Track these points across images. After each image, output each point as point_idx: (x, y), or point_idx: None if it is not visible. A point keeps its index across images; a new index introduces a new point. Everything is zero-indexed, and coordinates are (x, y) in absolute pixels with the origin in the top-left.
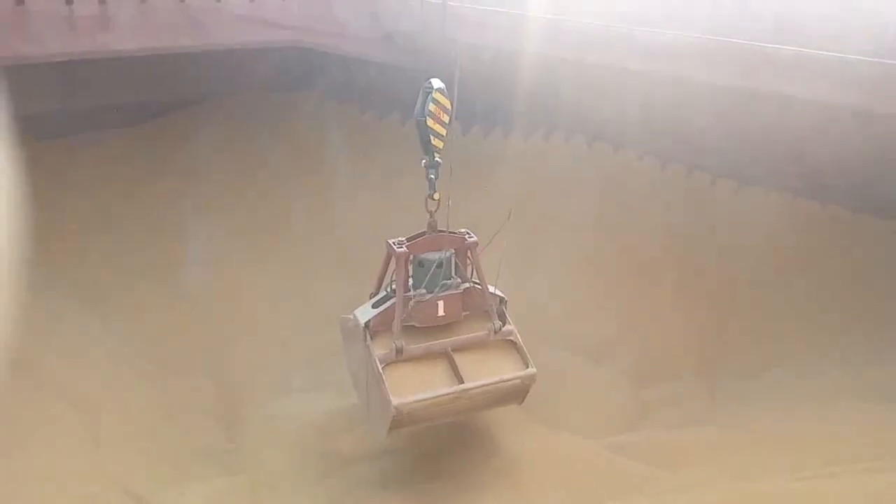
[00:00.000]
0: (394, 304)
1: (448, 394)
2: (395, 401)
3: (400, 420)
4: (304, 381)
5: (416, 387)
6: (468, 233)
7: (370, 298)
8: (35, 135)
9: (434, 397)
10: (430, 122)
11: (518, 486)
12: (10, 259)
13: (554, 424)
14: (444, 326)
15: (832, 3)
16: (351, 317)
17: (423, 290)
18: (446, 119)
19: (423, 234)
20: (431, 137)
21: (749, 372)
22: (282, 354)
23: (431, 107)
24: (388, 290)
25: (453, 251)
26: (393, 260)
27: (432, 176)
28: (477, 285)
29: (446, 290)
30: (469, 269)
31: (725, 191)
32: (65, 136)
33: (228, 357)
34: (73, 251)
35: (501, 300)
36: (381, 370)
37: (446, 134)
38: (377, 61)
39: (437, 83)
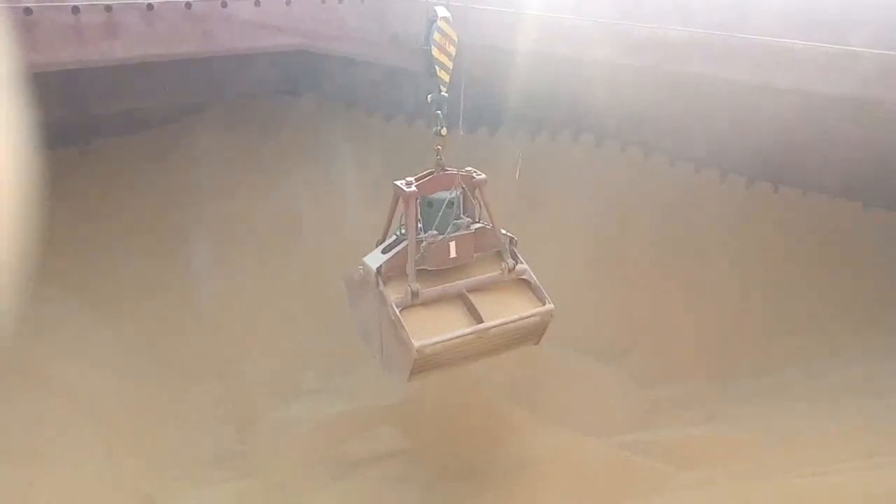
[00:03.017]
0: (405, 247)
1: (469, 333)
2: (416, 343)
3: (422, 363)
4: (314, 383)
5: (435, 329)
6: (475, 171)
7: (377, 246)
8: (43, 142)
9: (455, 338)
10: (435, 53)
11: (529, 486)
12: (21, 266)
13: (565, 424)
14: (456, 269)
15: None
16: (358, 268)
17: (435, 232)
18: (452, 50)
19: (430, 173)
20: (437, 69)
21: (759, 370)
22: (292, 358)
23: (436, 36)
24: (398, 233)
25: (461, 191)
26: (401, 203)
27: (438, 111)
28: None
29: (457, 230)
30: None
31: (735, 188)
32: (73, 144)
33: (239, 361)
34: (83, 258)
35: (511, 240)
36: (398, 314)
37: (452, 67)
38: (383, 63)
39: (442, 11)
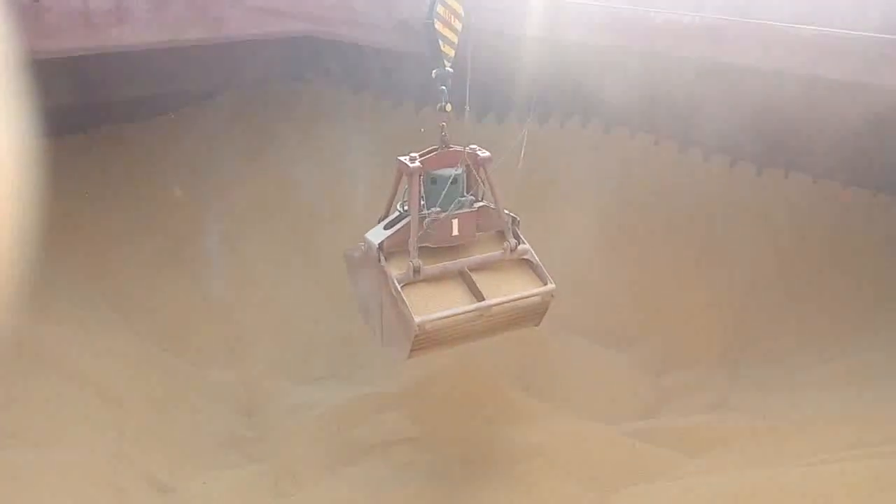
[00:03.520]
0: (407, 223)
1: (470, 311)
2: (417, 318)
3: (422, 339)
4: (324, 370)
5: (437, 305)
6: (480, 149)
7: (379, 222)
8: (51, 129)
9: (456, 314)
10: (438, 26)
11: (537, 473)
12: (32, 256)
13: (573, 411)
14: (458, 247)
15: None
16: (360, 245)
17: (438, 209)
18: (458, 25)
19: (434, 150)
20: (441, 43)
21: (770, 358)
22: (302, 345)
23: (440, 9)
24: (401, 209)
25: (465, 168)
26: (404, 179)
27: (443, 87)
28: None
29: (460, 208)
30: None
31: (745, 175)
32: (81, 131)
33: (250, 348)
34: (92, 247)
35: (514, 220)
36: (399, 290)
37: (457, 42)
38: (392, 49)
39: None
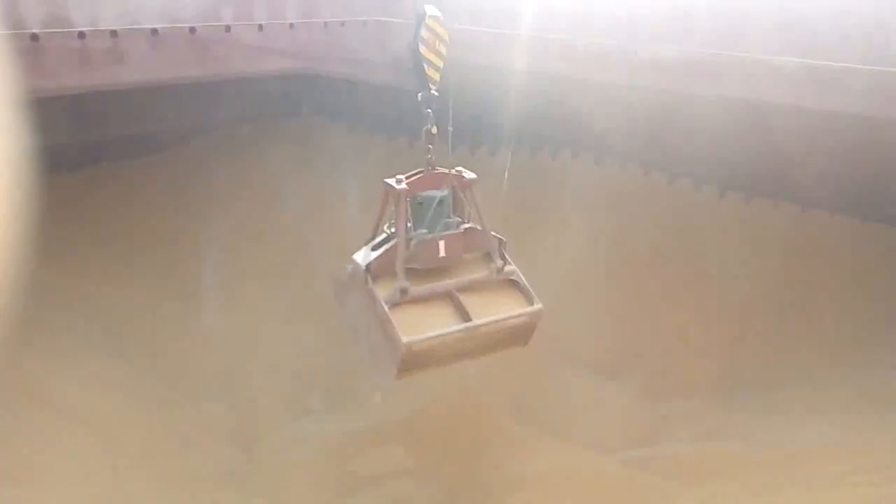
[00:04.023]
0: (394, 245)
1: (458, 331)
2: (404, 339)
3: (410, 360)
4: (319, 403)
5: (424, 326)
6: (465, 171)
7: (366, 244)
8: (50, 167)
9: (443, 334)
10: (423, 50)
11: (534, 503)
12: (29, 290)
13: (570, 440)
14: (445, 268)
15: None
16: (346, 268)
17: (425, 230)
18: (443, 49)
19: (420, 172)
20: (426, 67)
21: (766, 384)
22: (297, 378)
23: (424, 33)
24: (388, 231)
25: (451, 190)
26: (391, 201)
27: (428, 110)
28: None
29: (447, 229)
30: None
31: (735, 204)
32: (80, 168)
33: (245, 382)
34: (89, 282)
35: (501, 241)
36: (387, 312)
37: (442, 66)
38: (386, 84)
39: (431, 10)
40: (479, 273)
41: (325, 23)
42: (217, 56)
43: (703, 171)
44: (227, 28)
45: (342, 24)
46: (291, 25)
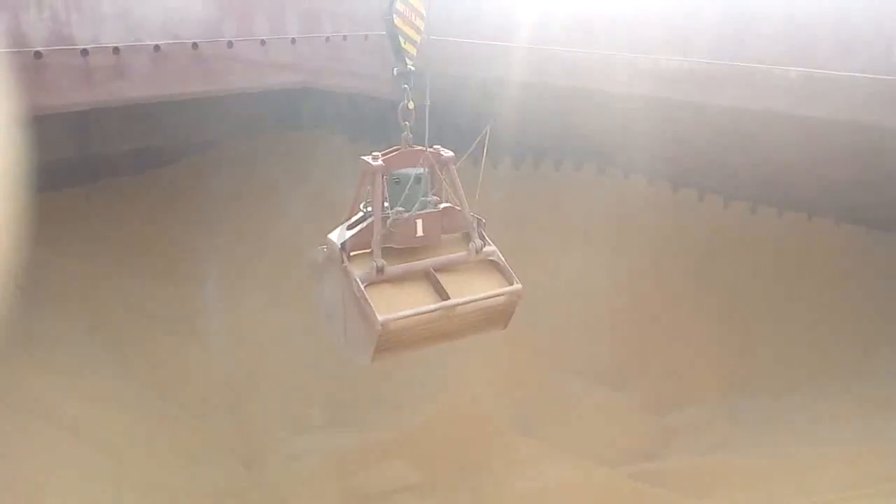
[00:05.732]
0: (370, 223)
1: (435, 309)
2: (380, 317)
3: (386, 339)
4: (323, 417)
5: (401, 305)
6: (442, 149)
7: (342, 224)
8: (53, 183)
9: (420, 313)
10: (398, 22)
11: None
12: (31, 306)
13: (575, 452)
14: (423, 248)
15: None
16: (322, 247)
17: (401, 208)
18: (420, 23)
19: (396, 149)
20: (402, 41)
21: (771, 394)
22: (300, 393)
23: (399, 5)
24: (364, 210)
25: (428, 169)
26: (367, 179)
27: (405, 85)
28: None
29: (424, 208)
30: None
31: (740, 213)
32: (82, 184)
33: (248, 398)
34: (91, 297)
35: (479, 221)
36: (363, 290)
37: (419, 41)
38: (386, 98)
39: None
40: (457, 253)
41: (327, 37)
42: (219, 71)
43: (708, 181)
44: (230, 44)
45: (344, 38)
46: (293, 40)
